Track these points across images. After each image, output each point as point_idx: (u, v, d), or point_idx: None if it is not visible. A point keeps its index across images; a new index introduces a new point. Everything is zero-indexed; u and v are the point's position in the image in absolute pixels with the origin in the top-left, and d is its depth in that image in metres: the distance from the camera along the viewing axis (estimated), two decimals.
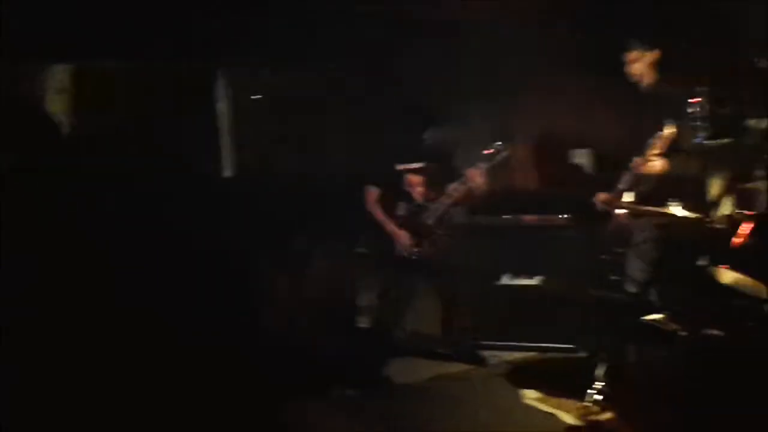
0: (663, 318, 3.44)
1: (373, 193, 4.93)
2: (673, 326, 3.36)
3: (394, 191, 4.95)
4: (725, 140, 5.17)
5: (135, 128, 5.47)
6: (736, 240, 3.20)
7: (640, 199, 4.55)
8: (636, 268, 4.65)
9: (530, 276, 5.37)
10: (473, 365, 5.12)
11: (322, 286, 5.69)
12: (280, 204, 5.71)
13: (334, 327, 5.58)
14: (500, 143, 4.94)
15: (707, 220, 3.82)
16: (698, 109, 4.63)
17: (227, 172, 6.08)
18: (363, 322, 5.38)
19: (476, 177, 4.83)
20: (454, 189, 4.83)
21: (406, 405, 4.55)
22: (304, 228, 5.74)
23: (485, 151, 4.91)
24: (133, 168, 5.22)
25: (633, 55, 4.79)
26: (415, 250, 4.87)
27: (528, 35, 6.58)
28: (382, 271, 5.21)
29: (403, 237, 4.85)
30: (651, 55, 4.78)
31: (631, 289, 4.58)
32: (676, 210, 3.71)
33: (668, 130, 4.22)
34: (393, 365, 5.01)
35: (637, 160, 4.46)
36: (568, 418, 4.05)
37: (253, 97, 6.13)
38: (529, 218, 5.57)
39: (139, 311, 4.65)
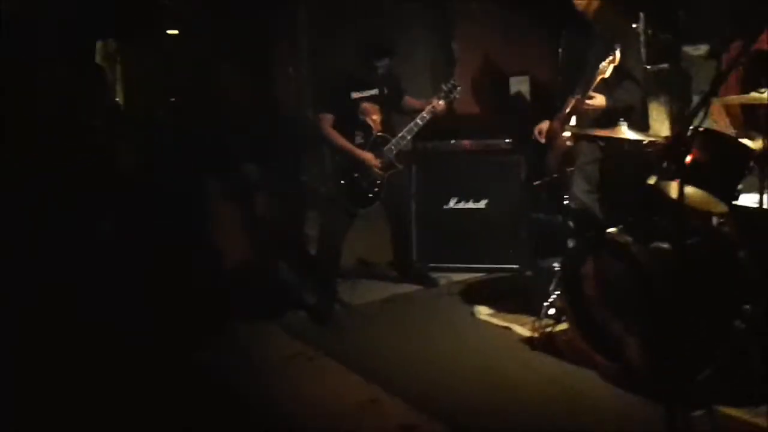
0: (616, 231, 3.60)
1: (327, 119, 4.92)
2: (627, 239, 3.52)
3: (349, 118, 4.96)
4: (664, 65, 5.38)
5: None
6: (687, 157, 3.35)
7: (584, 123, 4.71)
8: (581, 188, 4.84)
9: (477, 200, 5.51)
10: (424, 286, 5.26)
11: (272, 214, 5.74)
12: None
13: (286, 253, 5.66)
14: (454, 80, 5.02)
15: (652, 140, 3.96)
16: (639, 34, 4.79)
17: None
18: (313, 249, 5.44)
19: (439, 109, 4.91)
20: (415, 123, 4.89)
21: (361, 325, 4.66)
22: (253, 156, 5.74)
23: (443, 86, 4.96)
24: None
25: None
26: (381, 171, 4.90)
27: None
28: (329, 199, 5.23)
29: (369, 157, 4.88)
30: None
31: (576, 207, 4.78)
32: (624, 130, 3.84)
33: (612, 57, 4.31)
34: (345, 288, 5.09)
35: (577, 97, 4.55)
36: (523, 331, 4.25)
37: None
38: (473, 143, 5.68)
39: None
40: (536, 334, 4.09)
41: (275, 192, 5.81)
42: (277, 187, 5.86)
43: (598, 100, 4.48)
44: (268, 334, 4.61)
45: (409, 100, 5.20)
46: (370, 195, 4.97)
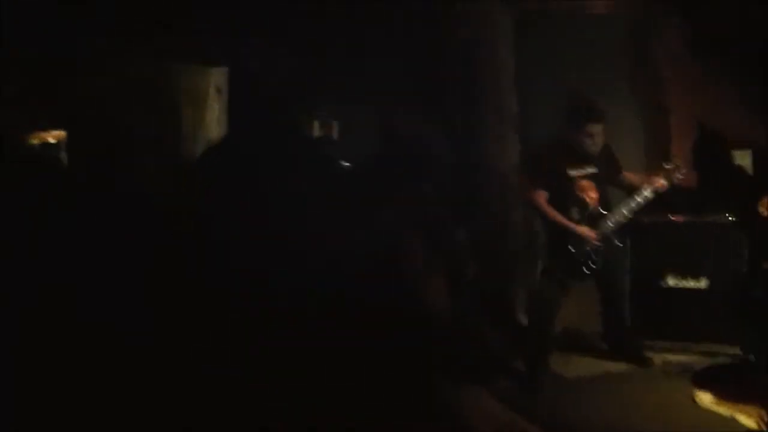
0: None
1: (542, 194, 5.00)
2: None
3: (565, 195, 5.01)
4: None
5: None
6: None
7: None
8: None
9: (695, 277, 5.36)
10: (638, 365, 5.15)
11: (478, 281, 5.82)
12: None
13: (496, 320, 5.71)
14: (677, 161, 4.99)
15: None
16: None
17: None
18: (523, 318, 5.49)
19: (659, 187, 4.89)
20: (636, 202, 4.89)
21: (573, 400, 4.63)
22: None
23: (666, 166, 4.94)
24: None
25: None
26: (598, 243, 4.91)
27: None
28: (543, 271, 5.27)
29: (585, 231, 4.90)
30: None
31: None
32: None
33: None
34: (558, 360, 5.08)
35: None
36: (749, 422, 4.07)
37: None
38: (692, 218, 5.54)
39: None
40: (763, 426, 3.91)
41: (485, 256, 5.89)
42: (487, 252, 5.93)
43: None
44: (475, 398, 4.65)
45: (627, 175, 5.17)
46: (585, 268, 4.97)
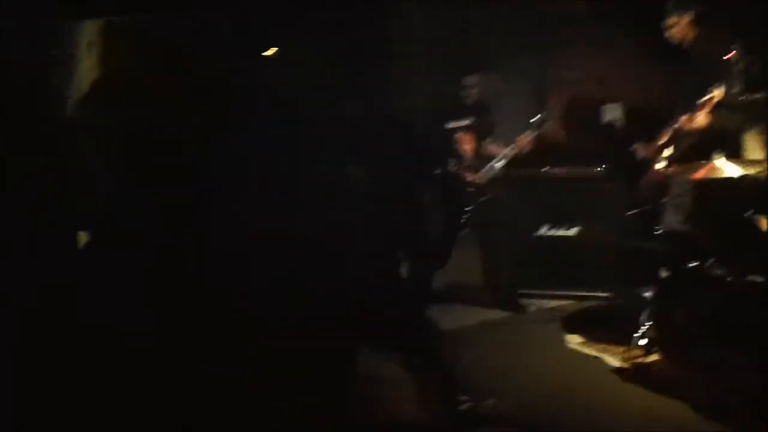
0: (709, 264, 3.60)
1: None
2: (720, 272, 3.52)
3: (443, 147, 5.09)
4: (759, 95, 5.31)
5: None
6: None
7: (680, 154, 4.71)
8: (675, 219, 4.84)
9: (568, 227, 5.53)
10: (514, 312, 5.30)
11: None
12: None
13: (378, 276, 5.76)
14: (543, 114, 5.11)
15: (748, 171, 3.94)
16: (734, 64, 4.77)
17: None
18: (405, 272, 5.55)
19: (525, 144, 4.99)
20: (504, 154, 4.99)
21: (452, 350, 4.72)
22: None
23: (532, 120, 5.07)
24: None
25: (671, 20, 4.90)
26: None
27: None
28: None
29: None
30: (687, 17, 4.89)
31: (670, 238, 4.77)
32: (720, 162, 3.84)
33: (717, 91, 4.35)
34: (436, 312, 5.16)
35: (683, 117, 4.59)
36: (614, 362, 4.26)
37: None
38: (566, 170, 5.70)
39: None
40: (627, 365, 4.09)
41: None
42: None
43: (700, 120, 4.51)
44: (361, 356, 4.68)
45: (492, 146, 5.28)
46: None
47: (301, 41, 6.23)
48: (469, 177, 5.05)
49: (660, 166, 4.78)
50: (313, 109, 5.94)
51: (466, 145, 5.07)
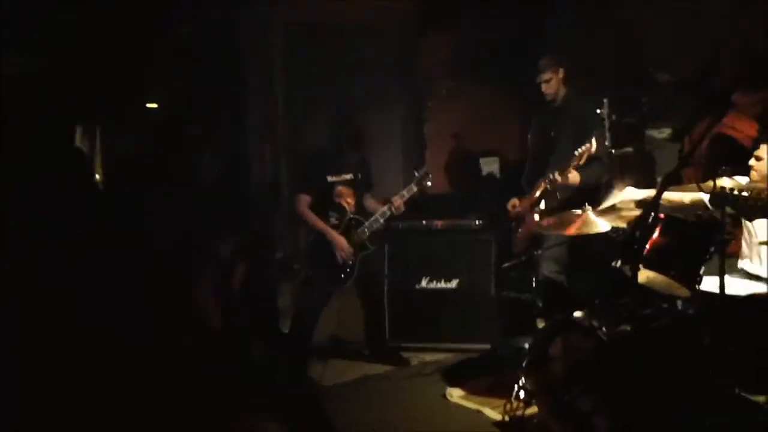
0: (583, 313, 3.67)
1: (303, 199, 5.05)
2: (592, 322, 3.58)
3: (324, 200, 5.09)
4: (628, 149, 5.54)
5: None
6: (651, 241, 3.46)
7: (553, 207, 4.83)
8: (550, 269, 4.94)
9: (447, 279, 5.55)
10: (396, 366, 5.25)
11: (244, 291, 5.77)
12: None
13: (259, 331, 5.65)
14: (425, 168, 5.19)
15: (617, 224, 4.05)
16: (604, 119, 4.97)
17: None
18: (285, 327, 5.47)
19: (399, 203, 5.04)
20: (383, 213, 5.02)
21: (334, 405, 4.64)
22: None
23: (416, 172, 5.19)
24: None
25: (545, 75, 5.06)
26: (352, 256, 5.01)
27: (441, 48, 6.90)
28: (305, 277, 5.32)
29: (342, 242, 4.99)
30: (561, 72, 5.06)
31: (545, 288, 4.86)
32: (591, 215, 3.95)
33: (588, 145, 4.52)
34: (318, 368, 5.09)
35: (556, 171, 4.73)
36: (495, 414, 4.25)
37: None
38: (444, 223, 5.73)
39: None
40: (507, 418, 4.09)
41: (250, 266, 5.86)
42: (252, 262, 5.91)
43: (573, 176, 4.66)
44: (244, 414, 4.55)
45: (370, 201, 5.31)
46: (343, 275, 5.04)
47: None
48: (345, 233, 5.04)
49: (534, 218, 4.89)
50: None
51: (348, 198, 5.10)
